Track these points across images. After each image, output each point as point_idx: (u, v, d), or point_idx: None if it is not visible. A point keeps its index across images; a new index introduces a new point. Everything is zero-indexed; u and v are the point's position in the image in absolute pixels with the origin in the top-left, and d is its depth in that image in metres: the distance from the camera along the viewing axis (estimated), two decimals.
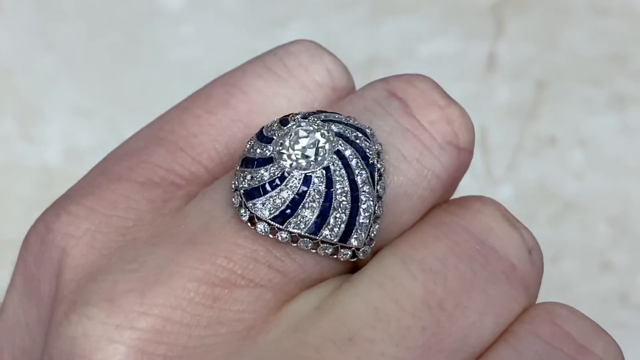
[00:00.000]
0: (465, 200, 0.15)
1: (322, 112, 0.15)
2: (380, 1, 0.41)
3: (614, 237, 0.36)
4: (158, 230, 0.14)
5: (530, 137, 0.38)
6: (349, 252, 0.14)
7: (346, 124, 0.14)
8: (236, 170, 0.14)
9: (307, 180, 0.14)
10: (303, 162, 0.14)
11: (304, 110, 0.15)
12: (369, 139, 0.14)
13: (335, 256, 0.14)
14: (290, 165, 0.14)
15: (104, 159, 0.16)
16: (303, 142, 0.14)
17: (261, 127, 0.15)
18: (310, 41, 0.16)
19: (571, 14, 0.40)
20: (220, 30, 0.40)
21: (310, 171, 0.14)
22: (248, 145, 0.14)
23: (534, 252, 0.14)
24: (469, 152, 0.15)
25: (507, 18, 0.40)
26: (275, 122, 0.14)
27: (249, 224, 0.14)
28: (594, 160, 0.37)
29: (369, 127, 0.14)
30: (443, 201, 0.15)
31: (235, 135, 0.15)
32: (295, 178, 0.14)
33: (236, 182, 0.14)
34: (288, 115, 0.14)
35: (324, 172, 0.14)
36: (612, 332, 0.35)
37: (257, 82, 0.15)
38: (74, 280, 0.14)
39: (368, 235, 0.14)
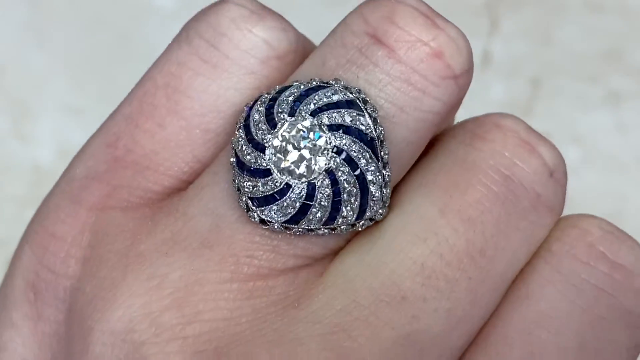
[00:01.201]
0: (483, 128, 0.15)
1: (289, 87, 0.14)
2: None
3: None
4: (161, 239, 0.14)
5: None
6: (367, 222, 0.14)
7: (335, 104, 0.13)
8: (233, 170, 0.14)
9: (312, 187, 0.13)
10: (304, 170, 0.13)
11: (262, 91, 0.15)
12: (362, 109, 0.13)
13: (353, 228, 0.14)
14: (292, 176, 0.13)
15: (65, 183, 0.16)
16: (302, 152, 0.13)
17: (242, 121, 0.14)
18: (235, 4, 0.15)
19: (565, 10, 0.40)
20: None
21: (312, 178, 0.13)
22: (238, 147, 0.14)
23: (555, 173, 0.15)
24: (468, 73, 0.14)
25: (502, 15, 0.40)
26: (261, 121, 0.14)
27: (239, 200, 0.14)
28: (589, 156, 0.37)
29: (357, 89, 0.14)
30: (459, 128, 0.15)
31: (196, 142, 0.15)
32: (299, 187, 0.13)
33: (238, 185, 0.14)
34: (273, 106, 0.14)
35: (325, 174, 0.13)
36: None
37: (197, 80, 0.15)
38: (98, 310, 0.14)
39: (382, 203, 0.14)
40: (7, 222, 0.36)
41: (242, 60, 0.15)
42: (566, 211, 0.38)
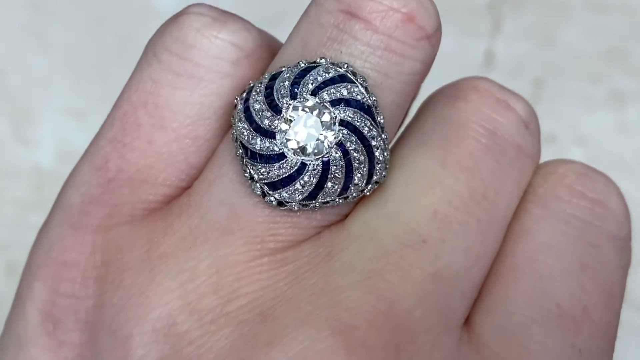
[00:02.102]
0: (463, 92, 0.17)
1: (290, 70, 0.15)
2: None
3: None
4: (179, 236, 0.15)
5: None
6: (373, 185, 0.15)
7: (330, 80, 0.14)
8: (243, 161, 0.14)
9: (326, 162, 0.14)
10: (316, 147, 0.14)
11: (242, 88, 0.15)
12: (354, 81, 0.14)
13: (362, 193, 0.15)
14: (305, 154, 0.14)
15: (62, 212, 0.16)
16: (309, 131, 0.14)
17: (243, 112, 0.15)
18: (196, 14, 0.16)
19: (568, 10, 0.40)
20: None
21: (326, 154, 0.14)
22: (244, 138, 0.14)
23: (530, 124, 0.17)
24: (439, 31, 0.16)
25: (504, 15, 0.40)
26: (264, 109, 0.14)
27: (254, 188, 0.14)
28: (593, 157, 0.37)
29: (344, 63, 0.15)
30: (441, 94, 0.17)
31: (188, 150, 0.16)
32: (314, 164, 0.14)
33: (250, 174, 0.14)
34: (271, 93, 0.14)
35: (337, 147, 0.14)
36: None
37: (176, 93, 0.15)
38: (132, 317, 0.14)
39: (384, 165, 0.15)
40: (9, 225, 0.36)
41: (215, 66, 0.15)
42: None
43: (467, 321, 0.15)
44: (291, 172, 0.14)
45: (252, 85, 0.15)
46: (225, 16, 0.16)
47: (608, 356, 0.16)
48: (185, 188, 0.16)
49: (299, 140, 0.14)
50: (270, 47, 0.16)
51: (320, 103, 0.14)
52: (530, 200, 0.16)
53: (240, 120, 0.15)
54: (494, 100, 0.17)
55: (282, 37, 0.18)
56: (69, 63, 0.39)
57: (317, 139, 0.14)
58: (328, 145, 0.14)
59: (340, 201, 0.15)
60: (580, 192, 0.17)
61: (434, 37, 0.15)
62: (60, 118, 0.38)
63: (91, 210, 0.16)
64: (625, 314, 0.34)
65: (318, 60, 0.15)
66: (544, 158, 0.36)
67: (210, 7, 0.16)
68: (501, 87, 0.17)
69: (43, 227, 0.17)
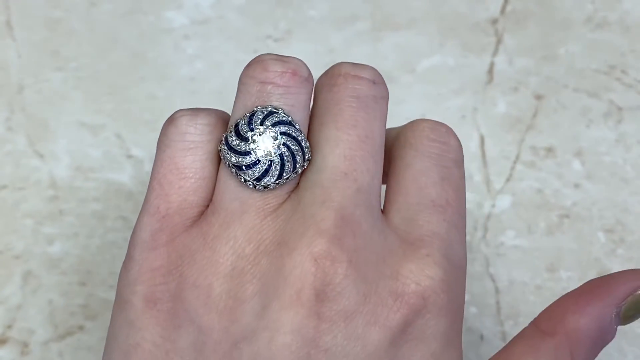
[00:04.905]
0: (333, 79, 0.25)
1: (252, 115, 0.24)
2: (381, 17, 0.41)
3: (611, 245, 0.36)
4: (218, 225, 0.24)
5: (529, 148, 0.38)
6: (301, 167, 0.24)
7: (267, 115, 0.24)
8: (236, 174, 0.24)
9: (280, 156, 0.24)
10: (274, 151, 0.24)
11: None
12: (279, 112, 0.24)
13: (297, 174, 0.24)
14: (261, 156, 0.24)
15: (138, 246, 0.25)
16: (266, 143, 0.24)
17: (234, 129, 0.24)
18: (181, 116, 0.25)
19: (568, 27, 0.40)
20: (223, 47, 0.40)
21: (279, 152, 0.24)
22: (234, 161, 0.24)
23: (376, 80, 0.25)
24: (311, 75, 0.25)
25: (506, 32, 0.40)
26: (244, 127, 0.24)
27: (248, 185, 0.24)
28: (592, 170, 0.37)
29: (270, 105, 0.24)
30: (319, 85, 0.26)
31: (203, 184, 0.25)
32: (275, 160, 0.24)
33: (243, 178, 0.24)
34: (239, 132, 0.24)
35: (284, 146, 0.24)
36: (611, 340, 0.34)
37: (187, 158, 0.25)
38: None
39: (309, 149, 0.24)
40: (26, 237, 0.36)
41: (201, 137, 0.25)
42: (570, 223, 0.38)
43: (384, 217, 0.25)
44: (264, 167, 0.24)
45: (225, 135, 0.24)
46: (197, 111, 0.25)
47: (463, 225, 0.25)
48: (207, 205, 0.25)
49: (263, 149, 0.24)
50: (224, 117, 0.26)
51: (266, 127, 0.24)
52: (407, 146, 0.26)
53: (227, 152, 0.24)
54: (352, 77, 0.25)
55: (287, 54, 0.25)
56: (83, 80, 0.39)
57: (272, 145, 0.24)
58: (279, 147, 0.24)
59: (294, 175, 0.24)
60: (433, 138, 0.26)
61: (310, 78, 0.25)
62: (75, 132, 0.38)
63: (158, 236, 0.24)
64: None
65: (255, 109, 0.24)
66: (542, 169, 0.36)
67: (186, 109, 0.25)
68: (354, 66, 0.25)
69: (126, 259, 0.25)
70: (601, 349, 0.25)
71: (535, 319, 0.25)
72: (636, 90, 0.39)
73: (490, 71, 0.39)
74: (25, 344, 0.34)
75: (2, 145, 0.38)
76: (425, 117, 0.30)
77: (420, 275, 0.23)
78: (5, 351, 0.34)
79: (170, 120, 0.25)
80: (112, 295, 0.35)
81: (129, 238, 0.35)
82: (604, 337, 0.25)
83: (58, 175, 0.37)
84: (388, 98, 0.26)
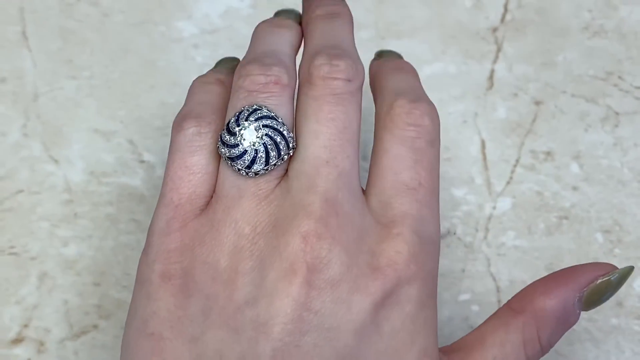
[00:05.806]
0: (313, 78, 0.27)
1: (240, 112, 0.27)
2: (385, 25, 0.41)
3: (609, 245, 0.36)
4: (221, 210, 0.27)
5: (529, 152, 0.38)
6: (288, 155, 0.27)
7: (252, 112, 0.27)
8: (231, 165, 0.27)
9: (265, 145, 0.27)
10: (259, 141, 0.27)
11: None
12: (262, 109, 0.27)
13: (284, 160, 0.27)
14: (247, 146, 0.27)
15: (156, 234, 0.28)
16: (251, 135, 0.27)
17: (227, 124, 0.28)
18: (188, 126, 0.28)
19: (566, 35, 0.40)
20: (231, 55, 0.41)
21: (263, 142, 0.27)
22: (228, 154, 0.27)
23: (350, 77, 0.27)
24: (292, 79, 0.28)
25: (506, 40, 0.40)
26: (233, 124, 0.27)
27: (242, 173, 0.27)
28: (590, 173, 0.37)
29: (254, 104, 0.27)
30: (303, 81, 0.28)
31: (208, 177, 0.28)
32: (260, 149, 0.27)
33: (237, 168, 0.27)
34: (228, 129, 0.27)
35: (267, 137, 0.27)
36: (608, 337, 0.35)
37: (194, 158, 0.28)
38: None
39: (293, 139, 0.27)
40: (42, 239, 0.36)
41: (202, 142, 0.28)
42: (568, 225, 0.38)
43: (364, 198, 0.27)
44: (252, 156, 0.27)
45: (220, 134, 0.28)
46: (199, 120, 0.28)
47: (435, 200, 0.28)
48: (212, 195, 0.28)
49: (249, 140, 0.27)
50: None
51: (250, 122, 0.27)
52: (384, 131, 0.28)
53: (221, 147, 0.27)
54: (330, 79, 0.27)
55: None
56: (96, 87, 0.39)
57: (256, 136, 0.27)
58: (262, 137, 0.27)
59: (281, 161, 0.27)
60: (407, 122, 0.28)
61: (291, 83, 0.28)
62: (88, 138, 0.38)
63: (172, 223, 0.27)
64: (621, 320, 0.34)
65: (242, 108, 0.27)
66: (541, 172, 0.37)
67: (193, 120, 0.28)
68: (331, 65, 0.28)
69: (145, 246, 0.27)
70: (565, 331, 0.28)
71: (509, 300, 0.29)
72: (633, 96, 0.39)
73: (491, 78, 0.39)
74: (41, 343, 0.34)
75: (18, 151, 0.38)
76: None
77: (390, 251, 0.26)
78: (22, 349, 0.34)
79: (179, 129, 0.28)
80: (125, 296, 0.35)
81: (141, 240, 0.36)
82: (567, 319, 0.28)
83: (72, 180, 0.37)
84: (362, 87, 0.28)
